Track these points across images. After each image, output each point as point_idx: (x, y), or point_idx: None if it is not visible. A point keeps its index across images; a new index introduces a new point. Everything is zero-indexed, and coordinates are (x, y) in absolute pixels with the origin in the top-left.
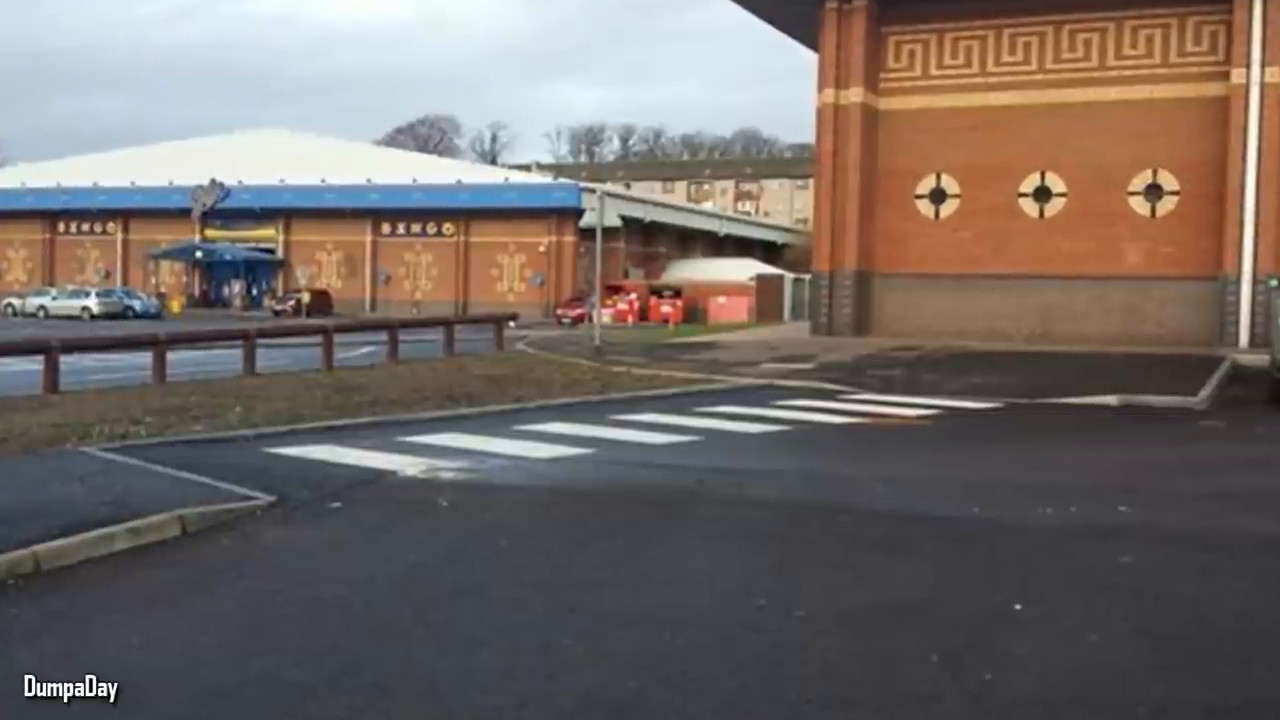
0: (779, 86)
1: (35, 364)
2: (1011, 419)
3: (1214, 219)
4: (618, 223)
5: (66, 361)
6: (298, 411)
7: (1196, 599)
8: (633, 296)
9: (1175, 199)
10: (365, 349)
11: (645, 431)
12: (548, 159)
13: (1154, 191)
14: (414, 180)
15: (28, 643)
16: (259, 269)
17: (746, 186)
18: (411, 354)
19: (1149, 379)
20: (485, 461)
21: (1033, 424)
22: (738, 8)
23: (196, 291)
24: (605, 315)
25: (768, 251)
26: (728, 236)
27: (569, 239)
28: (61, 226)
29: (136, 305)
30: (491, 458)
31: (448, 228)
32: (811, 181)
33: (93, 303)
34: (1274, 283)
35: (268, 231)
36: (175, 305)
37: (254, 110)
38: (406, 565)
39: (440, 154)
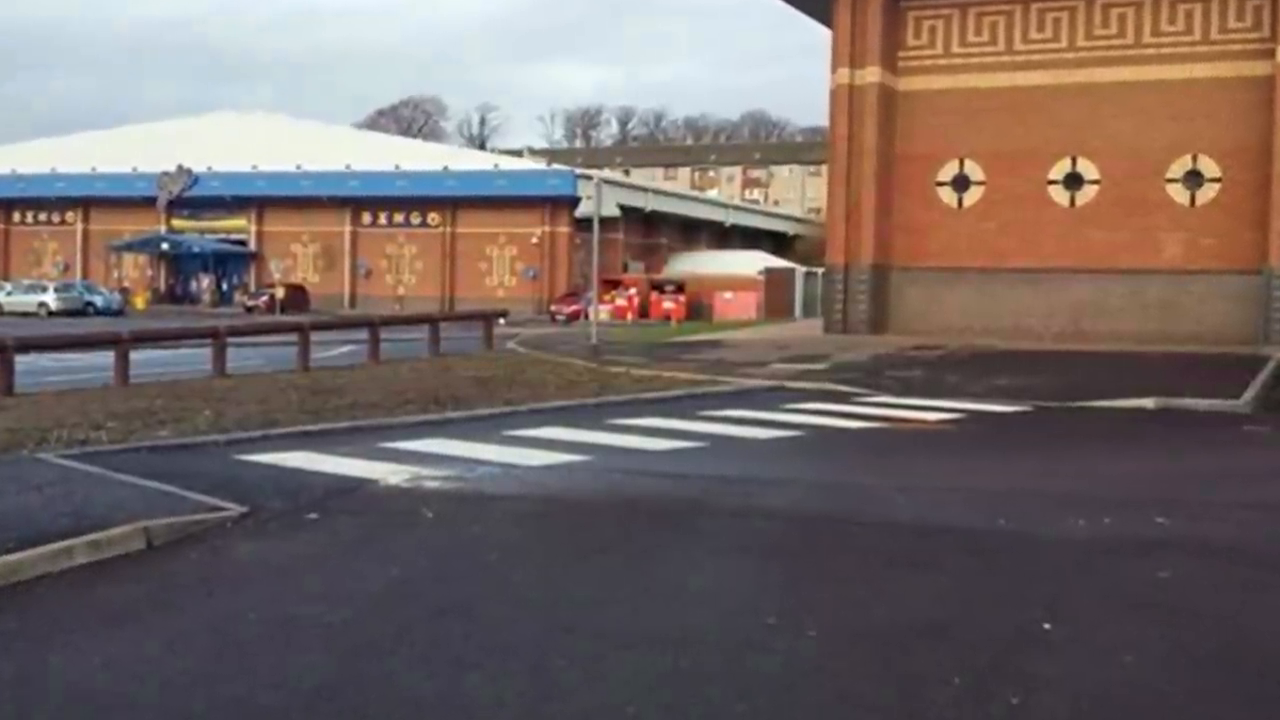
0: (790, 66)
1: None
2: (1040, 423)
3: (1259, 208)
4: (616, 212)
5: (22, 361)
6: (271, 415)
7: (1239, 618)
8: (632, 292)
9: (1217, 187)
10: (344, 348)
11: (646, 437)
12: (541, 144)
13: (1194, 179)
14: (396, 167)
15: None
16: (230, 262)
17: (755, 173)
18: (394, 353)
19: (1188, 380)
20: (473, 469)
21: (1063, 429)
22: None
23: (162, 286)
24: (603, 312)
25: (777, 243)
26: (734, 227)
27: (564, 230)
28: (17, 216)
29: (98, 301)
30: (480, 465)
31: (433, 218)
32: (825, 168)
33: (50, 298)
34: None
35: (239, 222)
36: (139, 301)
37: (225, 91)
38: (389, 581)
39: (425, 138)
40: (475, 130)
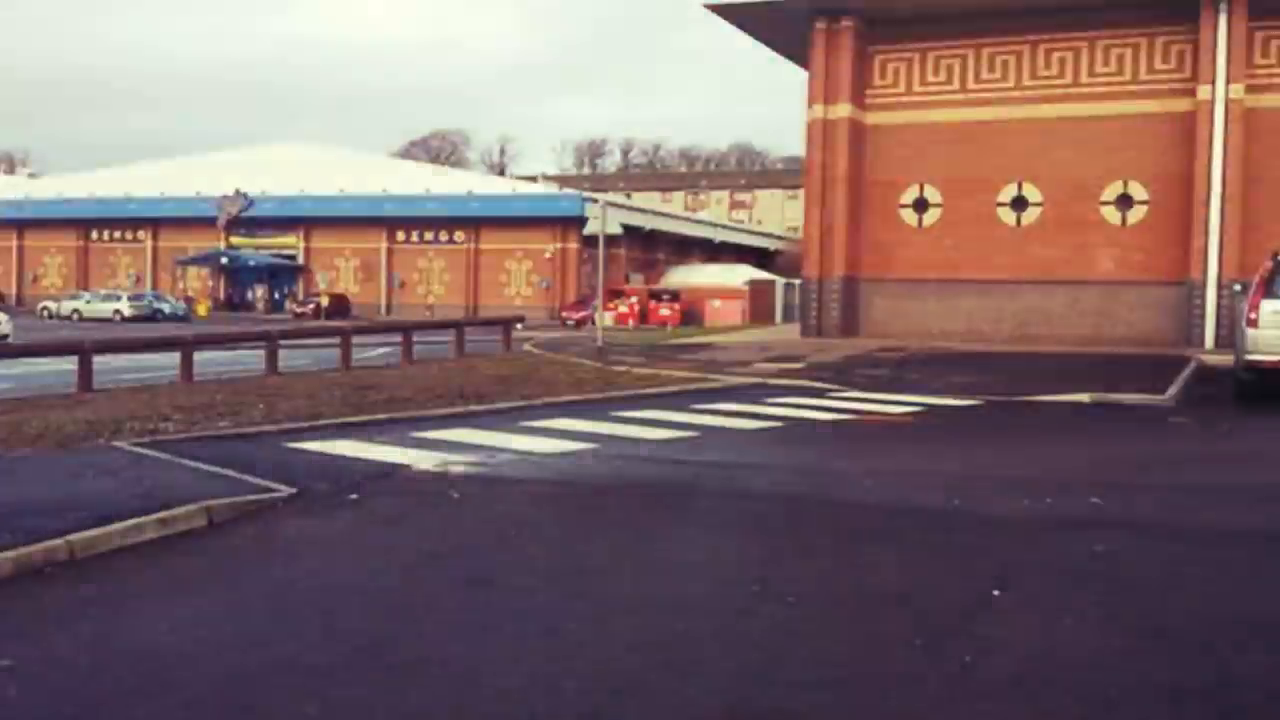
0: (771, 102)
1: (70, 364)
2: (990, 416)
3: (1181, 227)
4: (619, 230)
5: (99, 361)
6: (317, 409)
7: (1165, 586)
8: (633, 300)
9: (1145, 208)
10: (381, 350)
11: (645, 427)
12: (553, 170)
13: (1125, 201)
14: (427, 190)
15: (62, 627)
16: (281, 274)
17: (740, 196)
18: (424, 354)
19: (1120, 378)
20: (494, 456)
21: (1010, 421)
22: (734, 29)
23: (222, 295)
24: (607, 318)
25: (761, 258)
26: (723, 243)
27: (573, 246)
28: (94, 234)
29: (165, 308)
30: (500, 452)
31: (459, 236)
32: (802, 192)
33: (124, 306)
34: (1238, 288)
35: (289, 239)
36: (202, 308)
37: (277, 125)
38: (420, 554)
39: (451, 166)
40: (496, 158)
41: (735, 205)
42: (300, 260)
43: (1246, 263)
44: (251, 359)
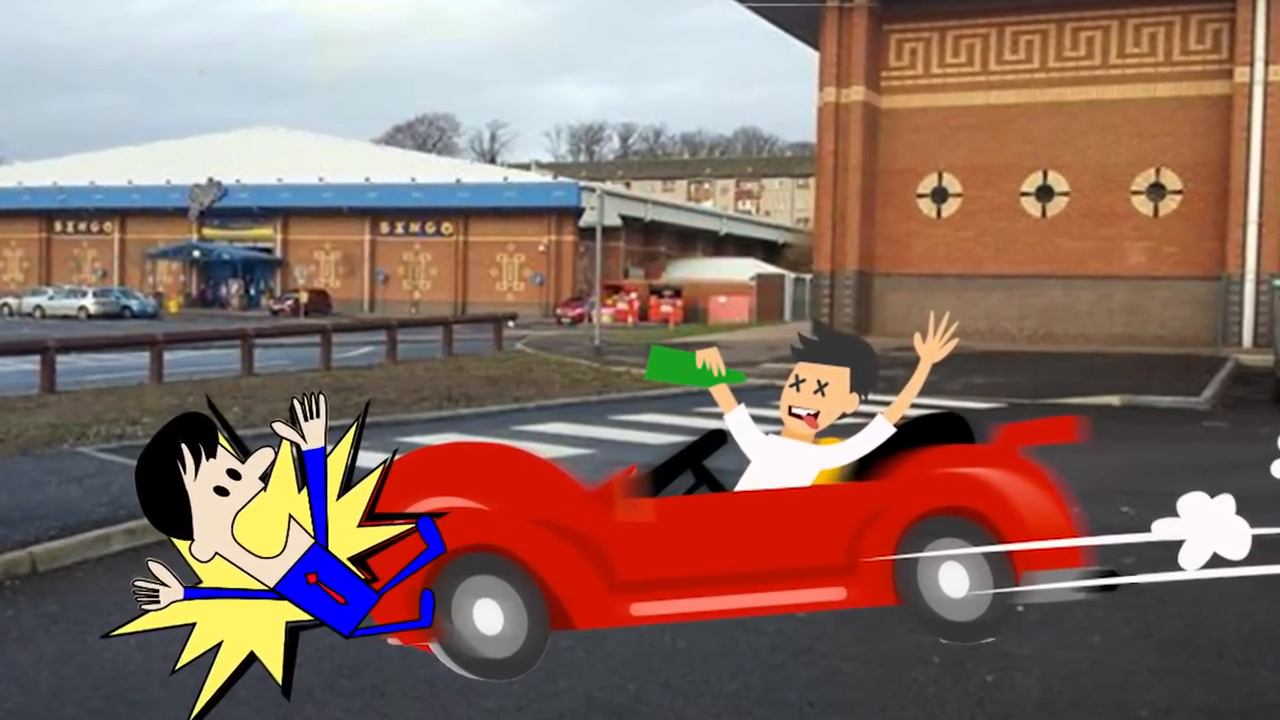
0: (780, 85)
1: (32, 364)
2: (1013, 420)
3: (1218, 219)
4: (617, 222)
5: (63, 361)
6: None
7: (1199, 601)
8: (633, 296)
9: (1178, 198)
10: (363, 349)
11: (646, 432)
12: (547, 158)
13: (1157, 191)
14: (412, 179)
15: (24, 645)
16: (257, 268)
17: (747, 185)
18: (410, 354)
19: (1152, 379)
20: None
21: None
22: (739, 6)
23: (194, 291)
24: (605, 315)
25: (768, 251)
26: (728, 236)
27: (569, 238)
28: (58, 226)
29: (134, 305)
30: None
31: (446, 227)
32: (813, 180)
33: (89, 302)
34: (1278, 283)
35: (265, 231)
36: (173, 305)
37: (252, 109)
38: None
39: (439, 153)
40: (486, 145)
41: (741, 195)
42: (277, 253)
43: None
44: (226, 359)
